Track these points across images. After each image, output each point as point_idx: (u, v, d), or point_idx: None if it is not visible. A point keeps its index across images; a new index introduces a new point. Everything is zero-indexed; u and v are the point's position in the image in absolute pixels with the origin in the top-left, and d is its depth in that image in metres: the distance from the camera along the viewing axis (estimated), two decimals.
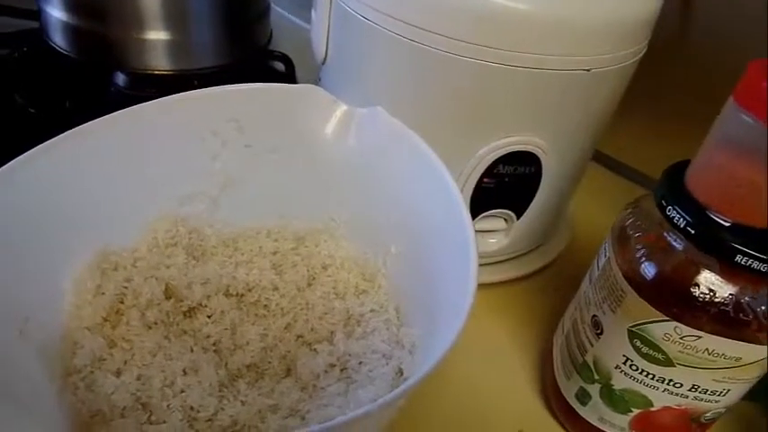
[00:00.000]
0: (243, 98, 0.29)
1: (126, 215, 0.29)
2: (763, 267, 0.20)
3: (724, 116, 0.21)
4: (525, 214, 0.33)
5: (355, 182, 0.30)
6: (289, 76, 0.52)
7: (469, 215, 0.24)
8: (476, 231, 0.33)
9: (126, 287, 0.27)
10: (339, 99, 0.30)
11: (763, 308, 0.22)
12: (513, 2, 0.26)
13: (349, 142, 0.30)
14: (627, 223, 0.26)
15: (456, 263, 0.24)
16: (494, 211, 0.32)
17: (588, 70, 0.27)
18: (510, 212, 0.33)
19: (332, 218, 0.32)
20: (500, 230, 0.34)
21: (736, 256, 0.21)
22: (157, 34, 0.45)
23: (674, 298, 0.23)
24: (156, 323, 0.27)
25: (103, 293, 0.27)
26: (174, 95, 0.29)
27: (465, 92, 0.28)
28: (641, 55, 0.30)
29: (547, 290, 0.38)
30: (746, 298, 0.22)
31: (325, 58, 0.33)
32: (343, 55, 0.33)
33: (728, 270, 0.22)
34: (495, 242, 0.34)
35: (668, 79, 0.50)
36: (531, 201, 0.32)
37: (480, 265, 0.31)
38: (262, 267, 0.31)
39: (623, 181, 0.50)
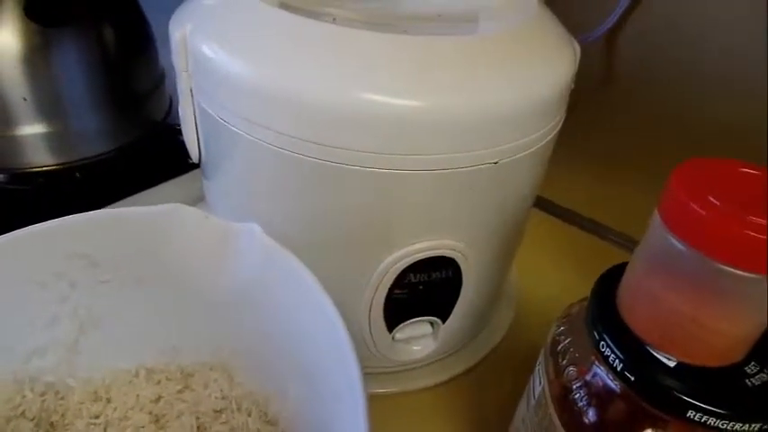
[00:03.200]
0: (90, 228, 0.24)
1: None
2: (721, 424, 0.16)
3: (650, 234, 0.17)
4: (452, 316, 0.28)
5: (239, 309, 0.25)
6: None
7: (354, 353, 0.19)
8: (399, 340, 0.29)
9: None
10: (219, 211, 0.25)
11: None
12: (394, 99, 0.21)
13: (226, 264, 0.25)
14: (559, 348, 0.21)
15: (347, 407, 0.19)
16: (415, 319, 0.28)
17: (496, 162, 0.23)
18: (434, 318, 0.28)
19: (221, 350, 0.27)
20: (427, 335, 0.29)
21: (687, 412, 0.17)
22: (31, 128, 0.40)
23: None
24: None
25: None
26: None
27: (354, 202, 0.23)
28: (557, 131, 0.26)
29: (493, 380, 0.34)
30: None
31: (200, 160, 0.29)
32: (217, 161, 0.28)
33: (681, 424, 0.17)
34: (420, 349, 0.29)
35: (598, 121, 0.48)
36: (454, 303, 0.28)
37: (414, 368, 0.27)
38: (139, 424, 0.25)
39: (565, 226, 0.47)
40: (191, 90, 0.26)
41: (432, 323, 0.29)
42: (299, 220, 0.25)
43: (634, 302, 0.18)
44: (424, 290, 0.26)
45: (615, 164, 0.48)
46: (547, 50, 0.25)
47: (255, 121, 0.23)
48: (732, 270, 0.15)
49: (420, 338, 0.29)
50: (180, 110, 0.28)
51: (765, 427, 0.16)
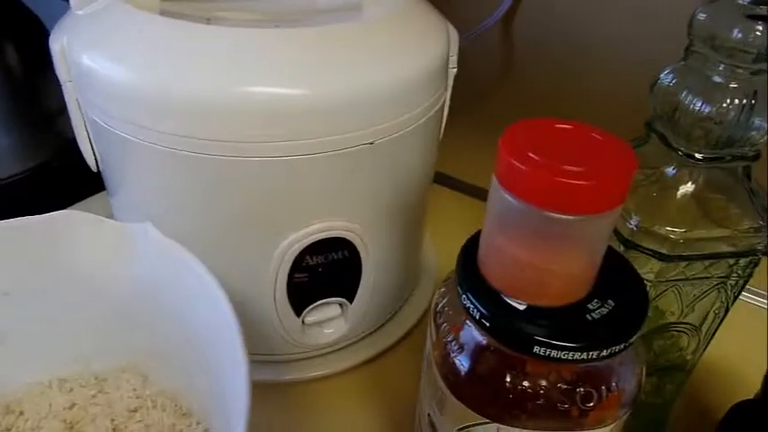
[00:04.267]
0: None
1: None
2: (563, 355, 0.18)
3: (491, 193, 0.19)
4: (359, 297, 0.30)
5: (143, 308, 0.26)
6: None
7: (241, 340, 0.20)
8: (309, 324, 0.30)
9: None
10: (123, 216, 0.26)
11: (581, 390, 0.20)
12: (266, 88, 0.23)
13: (124, 265, 0.25)
14: (438, 307, 0.23)
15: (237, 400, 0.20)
16: (321, 301, 0.29)
17: (371, 143, 0.25)
18: (341, 299, 0.30)
19: (133, 352, 0.27)
20: (337, 317, 0.30)
21: (533, 348, 0.18)
22: None
23: (487, 397, 0.20)
24: None
25: None
26: None
27: (241, 192, 0.24)
28: (436, 110, 0.28)
29: (418, 356, 0.35)
30: (561, 385, 0.20)
31: (97, 167, 0.29)
32: (111, 167, 0.28)
33: (534, 361, 0.19)
34: (332, 332, 0.30)
35: (503, 102, 0.50)
36: (358, 284, 0.29)
37: (334, 351, 0.27)
38: None
39: (482, 204, 0.49)
40: (77, 100, 0.27)
41: (340, 305, 0.30)
42: (195, 216, 0.26)
43: (487, 257, 0.20)
44: (324, 272, 0.27)
45: None
46: (418, 35, 0.27)
47: (139, 123, 0.24)
48: (553, 215, 0.17)
49: (331, 321, 0.30)
50: (72, 120, 0.28)
51: (603, 353, 0.18)
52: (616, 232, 0.25)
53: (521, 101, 0.48)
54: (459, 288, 0.21)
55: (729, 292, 0.26)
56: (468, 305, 0.20)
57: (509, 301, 0.19)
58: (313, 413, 0.32)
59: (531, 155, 0.17)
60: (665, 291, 0.25)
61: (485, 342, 0.20)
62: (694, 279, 0.25)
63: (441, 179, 0.47)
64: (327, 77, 0.23)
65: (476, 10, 0.45)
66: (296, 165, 0.24)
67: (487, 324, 0.19)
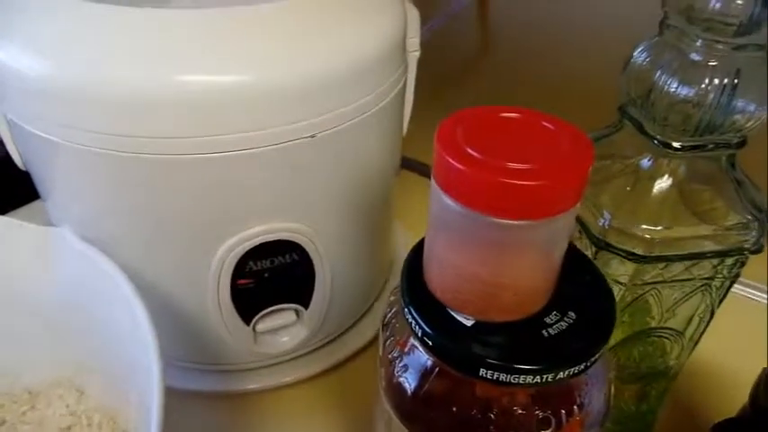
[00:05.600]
0: None
1: None
2: (513, 379, 0.16)
3: (431, 195, 0.17)
4: (315, 302, 0.28)
5: (68, 317, 0.24)
6: None
7: (158, 354, 0.18)
8: (262, 332, 0.28)
9: None
10: (53, 219, 0.24)
11: (539, 415, 0.17)
12: (192, 76, 0.20)
13: (45, 272, 0.23)
14: (386, 319, 0.21)
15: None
16: (273, 308, 0.27)
17: (312, 136, 0.22)
18: (295, 305, 0.27)
19: (64, 364, 0.25)
20: (292, 324, 0.28)
21: (479, 371, 0.16)
22: None
23: (433, 422, 0.18)
24: None
25: None
26: None
27: (170, 192, 0.22)
28: (393, 95, 0.25)
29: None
30: (516, 410, 0.17)
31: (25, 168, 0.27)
32: (34, 166, 0.26)
33: (484, 384, 0.17)
34: (289, 339, 0.28)
35: (473, 90, 0.47)
36: (312, 288, 0.27)
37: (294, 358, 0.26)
38: None
39: None
40: None
41: (296, 311, 0.28)
42: (127, 219, 0.23)
43: (430, 267, 0.17)
44: (271, 277, 0.25)
45: None
46: (364, 15, 0.24)
47: (56, 121, 0.21)
48: (498, 220, 0.15)
49: (286, 328, 0.28)
50: None
51: (561, 375, 0.16)
52: (586, 231, 0.23)
53: (501, 82, 0.46)
54: (402, 301, 0.18)
55: (714, 295, 0.24)
56: (410, 320, 0.18)
57: (456, 316, 0.17)
58: (269, 425, 0.30)
59: (470, 151, 0.15)
60: (642, 294, 0.23)
61: (430, 362, 0.18)
62: (675, 281, 0.23)
63: (417, 167, 0.45)
64: (259, 64, 0.21)
65: None
66: (230, 162, 0.22)
67: (430, 342, 0.17)
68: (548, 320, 0.17)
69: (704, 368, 0.33)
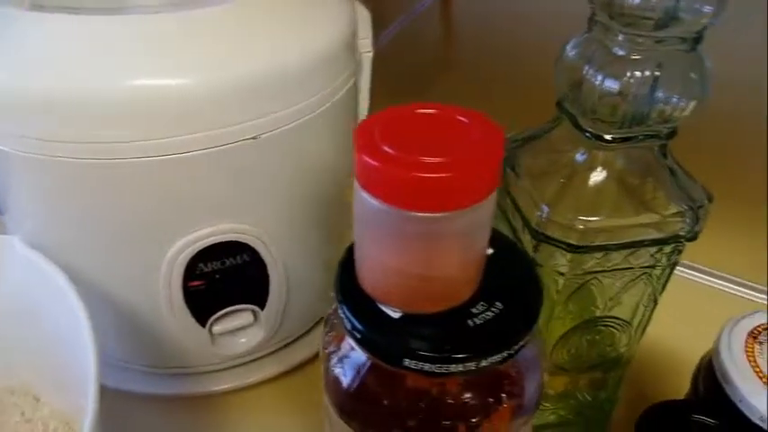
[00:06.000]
0: None
1: None
2: (436, 368, 0.16)
3: (354, 193, 0.17)
4: (272, 302, 0.28)
5: (19, 324, 0.24)
6: None
7: (96, 359, 0.18)
8: (219, 334, 0.28)
9: None
10: (8, 228, 0.24)
11: (468, 404, 0.18)
12: (131, 80, 0.21)
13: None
14: (328, 316, 0.21)
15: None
16: (228, 309, 0.27)
17: (255, 138, 0.22)
18: (251, 306, 0.28)
19: (17, 370, 0.25)
20: (249, 325, 0.28)
21: (403, 361, 0.16)
22: None
23: (367, 415, 0.18)
24: None
25: None
26: None
27: (112, 197, 0.22)
28: (341, 95, 0.26)
29: None
30: (447, 399, 0.18)
31: None
32: None
33: (413, 375, 0.17)
34: (246, 341, 0.29)
35: (439, 89, 0.48)
36: (267, 289, 0.27)
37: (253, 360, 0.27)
38: None
39: None
40: None
41: (253, 312, 0.28)
42: (75, 225, 0.23)
43: (359, 262, 0.18)
44: (223, 278, 0.25)
45: None
46: (308, 16, 0.24)
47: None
48: (415, 214, 0.15)
49: (244, 329, 0.28)
50: None
51: (483, 364, 0.16)
52: (527, 224, 0.23)
53: (466, 80, 0.46)
54: (335, 296, 0.19)
55: (656, 283, 0.24)
56: (342, 315, 0.18)
57: (385, 310, 0.18)
58: (233, 427, 0.30)
59: (385, 148, 0.15)
60: (583, 284, 0.23)
61: (362, 355, 0.18)
62: (615, 270, 0.23)
63: None
64: (200, 67, 0.21)
65: None
66: (173, 165, 0.22)
67: (358, 336, 0.17)
68: (474, 311, 0.17)
69: (660, 353, 0.33)
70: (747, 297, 0.39)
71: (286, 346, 0.32)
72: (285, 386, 0.32)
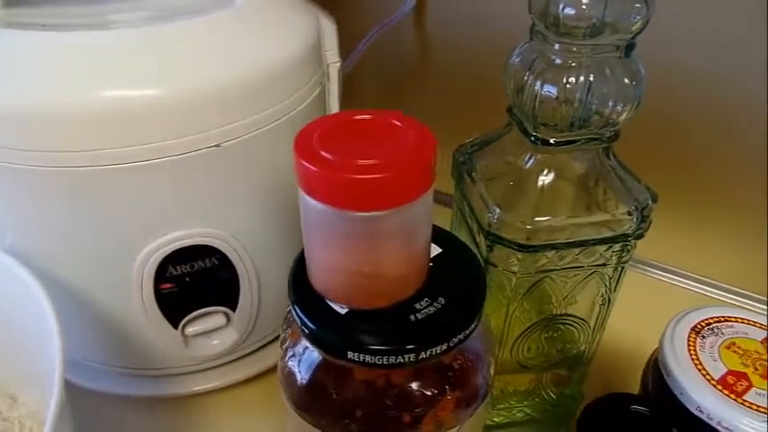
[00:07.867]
0: None
1: None
2: (377, 360, 0.17)
3: (299, 198, 0.18)
4: (242, 305, 0.29)
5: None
6: None
7: (61, 361, 0.19)
8: (192, 335, 0.29)
9: None
10: None
11: (412, 395, 0.19)
12: (95, 91, 0.22)
13: None
14: (286, 314, 0.22)
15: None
16: (200, 311, 0.28)
17: (218, 145, 0.24)
18: (223, 308, 0.29)
19: None
20: (222, 327, 0.29)
21: (347, 354, 0.17)
22: None
23: (319, 408, 0.19)
24: None
25: None
26: None
27: (81, 205, 0.23)
28: (306, 104, 0.27)
29: None
30: (392, 391, 0.19)
31: None
32: None
33: (361, 367, 0.18)
34: (219, 342, 0.29)
35: (416, 97, 0.49)
36: (238, 291, 0.28)
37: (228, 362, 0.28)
38: None
39: None
40: None
41: (225, 314, 0.29)
42: (45, 230, 0.24)
43: (308, 261, 0.19)
44: (193, 281, 0.26)
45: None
46: (270, 28, 0.25)
47: None
48: (351, 213, 0.16)
49: (216, 331, 0.29)
50: None
51: (423, 356, 0.17)
52: (480, 226, 0.24)
53: (443, 91, 0.47)
54: (288, 295, 0.20)
55: (609, 282, 0.25)
56: (293, 311, 0.19)
57: (332, 306, 0.18)
58: (209, 428, 0.31)
59: (322, 153, 0.16)
60: (536, 282, 0.24)
61: (312, 349, 0.19)
62: (566, 269, 0.24)
63: None
64: (164, 78, 0.22)
65: (388, 1, 0.44)
66: (138, 172, 0.23)
67: (306, 330, 0.18)
68: (418, 306, 0.18)
69: (623, 350, 0.34)
70: (709, 294, 0.40)
71: (262, 347, 0.33)
72: (262, 387, 0.33)
